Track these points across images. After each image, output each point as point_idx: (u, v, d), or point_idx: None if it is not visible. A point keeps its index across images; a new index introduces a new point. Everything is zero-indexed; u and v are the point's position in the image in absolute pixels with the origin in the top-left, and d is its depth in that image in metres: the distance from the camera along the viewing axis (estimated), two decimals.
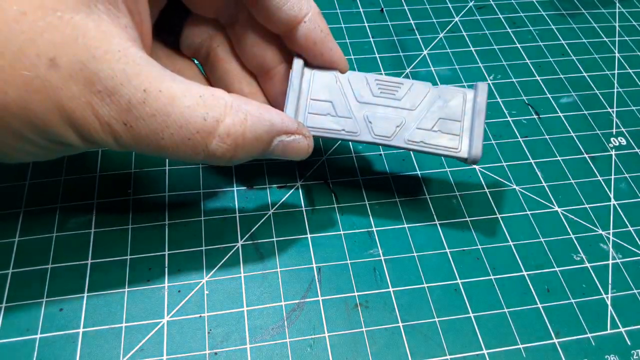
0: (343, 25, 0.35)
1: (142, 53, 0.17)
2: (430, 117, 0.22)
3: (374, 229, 0.25)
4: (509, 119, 0.31)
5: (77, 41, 0.16)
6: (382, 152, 0.28)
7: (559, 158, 0.29)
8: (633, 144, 0.30)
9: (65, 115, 0.16)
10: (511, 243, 0.25)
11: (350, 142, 0.29)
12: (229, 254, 0.24)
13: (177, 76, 0.18)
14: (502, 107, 0.31)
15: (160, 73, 0.17)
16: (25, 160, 0.19)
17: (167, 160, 0.27)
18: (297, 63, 0.22)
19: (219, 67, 0.24)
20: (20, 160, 0.18)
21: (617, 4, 0.39)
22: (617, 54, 0.35)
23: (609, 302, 0.24)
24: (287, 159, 0.21)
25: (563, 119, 0.31)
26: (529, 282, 0.24)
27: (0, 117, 0.16)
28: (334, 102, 0.23)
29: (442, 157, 0.28)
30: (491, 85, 0.33)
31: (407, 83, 0.23)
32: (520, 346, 0.22)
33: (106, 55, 0.16)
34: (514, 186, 0.28)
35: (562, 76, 0.34)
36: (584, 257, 0.25)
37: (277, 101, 0.24)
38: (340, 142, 0.29)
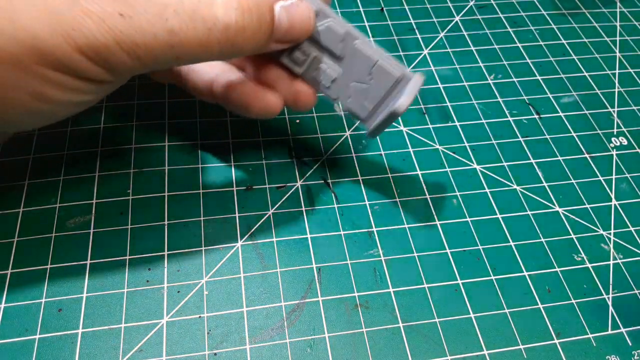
0: None
1: None
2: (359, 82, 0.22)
3: (374, 229, 0.25)
4: (510, 118, 0.31)
5: None
6: (382, 152, 0.28)
7: (560, 158, 0.29)
8: (634, 143, 0.30)
9: (55, 22, 0.15)
10: (512, 243, 0.25)
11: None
12: (228, 254, 0.24)
13: None
14: (503, 106, 0.31)
15: None
16: (47, 115, 0.18)
17: (166, 160, 0.27)
18: None
19: None
20: (46, 116, 0.17)
21: (618, 4, 0.39)
22: (618, 54, 0.35)
23: (610, 303, 0.24)
24: (297, 39, 0.20)
25: (564, 118, 0.31)
26: (530, 283, 0.24)
27: (18, 57, 0.15)
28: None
29: (440, 151, 0.28)
30: (492, 85, 0.33)
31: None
32: (521, 347, 0.22)
33: None
34: (515, 186, 0.28)
35: (562, 76, 0.34)
36: (584, 257, 0.25)
37: None
38: (340, 141, 0.29)
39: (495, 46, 0.35)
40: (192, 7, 0.17)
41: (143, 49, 0.17)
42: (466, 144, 0.29)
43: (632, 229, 0.26)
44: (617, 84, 0.33)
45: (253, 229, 0.25)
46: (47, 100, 0.17)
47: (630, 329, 0.23)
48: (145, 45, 0.16)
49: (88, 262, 0.23)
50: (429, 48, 0.34)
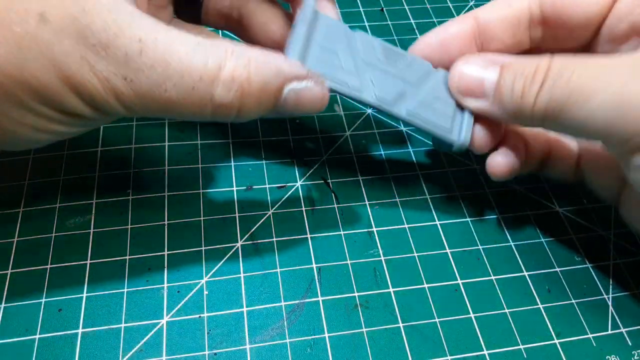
0: None
1: (133, 6, 0.17)
2: (428, 94, 0.23)
3: (374, 229, 0.25)
4: None
5: None
6: (382, 152, 0.28)
7: None
8: None
9: (61, 74, 0.16)
10: (512, 243, 0.25)
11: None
12: (228, 254, 0.24)
13: (171, 27, 0.17)
14: None
15: (154, 23, 0.17)
16: (35, 142, 0.18)
17: (166, 160, 0.27)
18: (308, 2, 0.21)
19: (256, 19, 0.23)
20: (30, 140, 0.18)
21: None
22: None
23: (609, 303, 0.24)
24: (303, 114, 0.20)
25: None
26: (530, 283, 0.24)
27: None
28: (340, 54, 0.22)
29: (441, 153, 0.29)
30: None
31: (409, 56, 0.23)
32: (521, 347, 0.22)
33: (97, 6, 0.16)
34: (515, 186, 0.28)
35: None
36: (585, 257, 0.25)
37: None
38: (340, 141, 0.29)
39: None
40: (192, 84, 0.17)
41: (139, 106, 0.17)
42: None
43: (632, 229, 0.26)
44: None
45: (253, 229, 0.25)
46: (45, 132, 0.18)
47: (630, 329, 0.23)
48: (141, 104, 0.17)
49: (88, 262, 0.23)
50: None
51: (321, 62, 0.21)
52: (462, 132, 0.23)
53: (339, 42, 0.22)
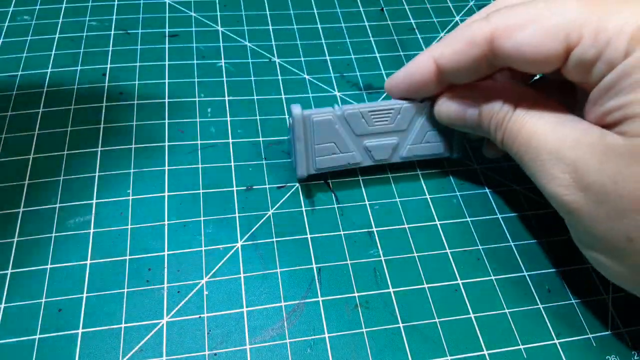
0: (343, 25, 0.35)
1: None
2: (419, 132, 0.26)
3: (374, 229, 0.25)
4: None
5: None
6: None
7: None
8: None
9: None
10: (512, 243, 0.25)
11: None
12: (228, 254, 0.24)
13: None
14: None
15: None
16: None
17: (166, 160, 0.27)
18: (296, 112, 0.23)
19: None
20: None
21: None
22: None
23: (610, 303, 0.24)
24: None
25: None
26: (530, 283, 0.24)
27: None
28: (336, 142, 0.25)
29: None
30: None
31: (397, 107, 0.25)
32: (521, 347, 0.22)
33: None
34: (515, 186, 0.28)
35: None
36: (585, 257, 0.25)
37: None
38: None
39: None
40: None
41: None
42: (466, 144, 0.29)
43: None
44: None
45: (253, 229, 0.25)
46: None
47: (630, 329, 0.23)
48: None
49: (88, 262, 0.23)
50: None
51: (324, 158, 0.25)
52: (454, 149, 0.26)
53: (331, 129, 0.24)
